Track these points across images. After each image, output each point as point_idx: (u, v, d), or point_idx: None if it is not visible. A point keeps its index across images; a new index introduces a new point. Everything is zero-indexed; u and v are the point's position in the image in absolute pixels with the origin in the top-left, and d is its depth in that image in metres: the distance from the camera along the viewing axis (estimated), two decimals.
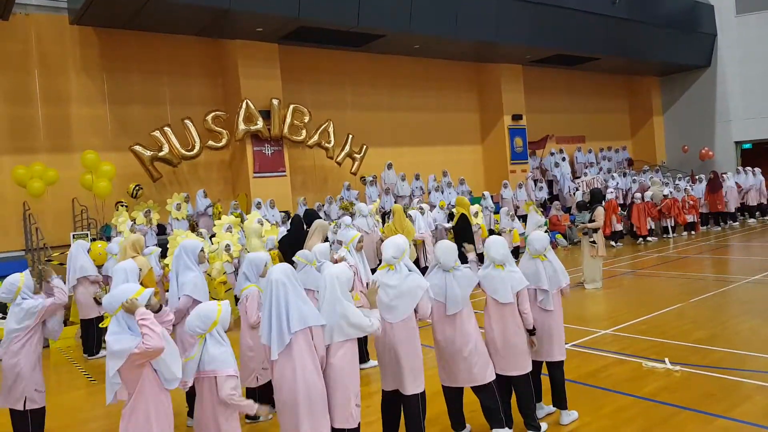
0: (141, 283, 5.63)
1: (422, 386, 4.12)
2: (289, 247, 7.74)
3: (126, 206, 11.87)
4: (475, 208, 13.28)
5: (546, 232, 16.40)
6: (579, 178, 19.92)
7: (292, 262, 5.27)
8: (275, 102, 13.88)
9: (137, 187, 12.35)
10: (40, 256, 10.68)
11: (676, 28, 20.91)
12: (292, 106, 14.23)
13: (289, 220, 9.92)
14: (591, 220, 9.56)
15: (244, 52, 13.87)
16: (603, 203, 9.98)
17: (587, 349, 6.60)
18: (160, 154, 12.62)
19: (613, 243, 15.22)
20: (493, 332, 4.47)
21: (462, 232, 11.35)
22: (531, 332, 4.50)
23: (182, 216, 12.05)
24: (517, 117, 19.38)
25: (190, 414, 5.33)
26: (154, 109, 13.52)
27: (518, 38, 16.88)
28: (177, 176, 13.87)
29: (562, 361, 4.72)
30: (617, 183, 18.64)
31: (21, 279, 4.69)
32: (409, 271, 4.21)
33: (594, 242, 9.55)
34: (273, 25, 13.03)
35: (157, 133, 12.62)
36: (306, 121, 14.39)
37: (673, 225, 16.91)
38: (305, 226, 7.99)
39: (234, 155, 14.53)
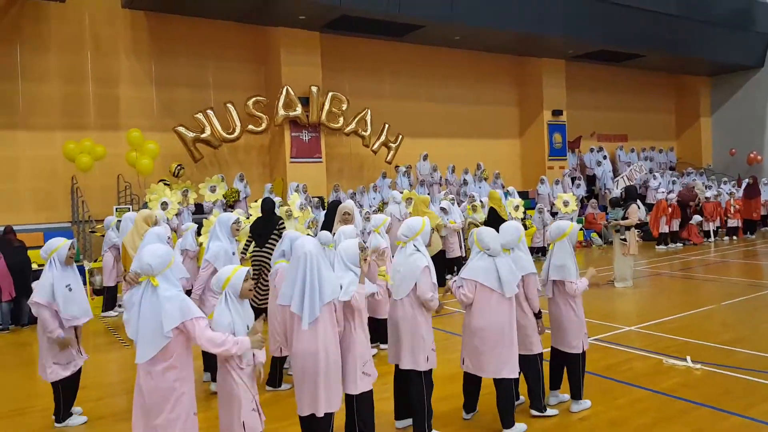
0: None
1: (423, 365, 4.19)
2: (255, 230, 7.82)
3: (168, 185, 12.29)
4: (517, 201, 13.30)
5: (581, 230, 16.41)
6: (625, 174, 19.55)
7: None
8: (314, 89, 14.11)
9: (179, 167, 12.79)
10: (84, 228, 11.21)
11: (728, 26, 20.21)
12: (330, 94, 14.44)
13: (324, 207, 10.10)
14: (624, 218, 9.45)
15: (286, 40, 14.14)
16: (637, 201, 9.83)
17: (610, 344, 6.60)
18: (202, 135, 13.02)
19: (660, 246, 14.88)
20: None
21: (491, 226, 11.34)
22: (537, 316, 4.60)
23: (218, 198, 12.40)
24: (557, 113, 19.13)
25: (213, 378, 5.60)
26: (198, 93, 13.94)
27: (561, 32, 16.63)
28: (218, 158, 14.28)
29: (577, 355, 4.73)
30: (659, 183, 18.22)
31: (58, 246, 4.80)
32: (417, 250, 4.31)
33: (625, 240, 9.45)
34: (315, 12, 13.24)
35: (200, 116, 13.02)
36: (344, 108, 14.59)
37: (715, 229, 16.51)
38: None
39: (273, 140, 14.85)
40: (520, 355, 4.52)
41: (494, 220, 11.00)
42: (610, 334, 7.02)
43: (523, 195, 18.04)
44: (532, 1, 15.59)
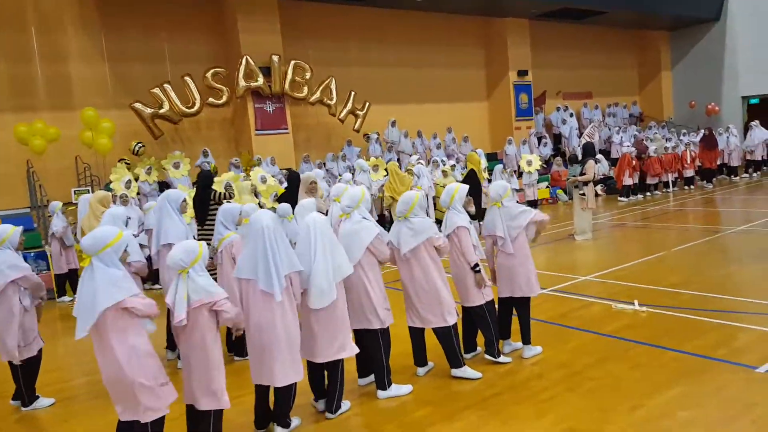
0: None
1: (375, 323, 4.37)
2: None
3: (128, 164, 12.15)
4: (530, 157, 13.62)
5: (548, 188, 16.75)
6: (584, 132, 19.89)
7: None
8: (275, 58, 13.94)
9: (139, 145, 12.60)
10: (43, 212, 11.06)
11: None
12: (293, 63, 14.28)
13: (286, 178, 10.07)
14: (582, 174, 9.70)
15: (242, 8, 13.84)
16: (595, 157, 10.07)
17: (563, 293, 6.88)
18: (161, 111, 12.80)
19: (622, 198, 15.32)
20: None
21: (470, 188, 11.52)
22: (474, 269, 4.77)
23: (182, 174, 12.31)
24: (522, 73, 19.23)
25: (171, 347, 5.73)
26: (154, 67, 13.63)
27: None
28: (179, 134, 14.10)
29: (528, 300, 4.99)
30: (621, 138, 18.56)
31: (10, 232, 4.79)
32: (364, 218, 4.47)
33: (584, 195, 9.72)
34: None
35: (157, 91, 12.77)
36: (307, 77, 14.45)
37: (674, 180, 16.97)
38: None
39: (236, 113, 14.70)
40: (467, 307, 4.76)
41: (472, 181, 11.17)
42: (567, 284, 7.31)
43: (491, 156, 18.29)
44: None
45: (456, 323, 4.60)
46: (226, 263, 5.26)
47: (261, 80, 13.76)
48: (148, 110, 12.72)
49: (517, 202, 13.59)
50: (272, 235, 3.80)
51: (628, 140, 18.02)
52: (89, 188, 11.25)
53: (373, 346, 4.43)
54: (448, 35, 18.36)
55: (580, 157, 10.04)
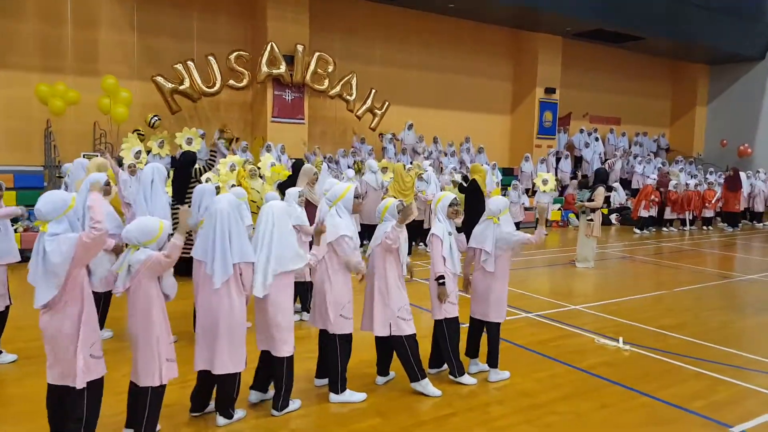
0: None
1: (330, 328, 4.25)
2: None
3: (142, 135, 12.19)
4: (546, 175, 13.66)
5: (560, 210, 16.42)
6: (608, 160, 19.54)
7: None
8: (300, 48, 13.88)
9: (155, 118, 12.65)
10: (55, 173, 11.15)
11: (733, 14, 19.84)
12: (317, 54, 14.21)
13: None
14: (590, 200, 9.42)
15: None
16: (607, 184, 9.78)
17: (549, 320, 6.66)
18: (181, 87, 12.83)
19: (636, 231, 14.98)
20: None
21: (472, 200, 11.30)
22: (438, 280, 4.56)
23: (194, 150, 12.28)
24: (550, 90, 18.91)
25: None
26: (181, 43, 13.69)
27: (560, 7, 16.31)
28: (198, 112, 14.13)
29: (499, 324, 4.81)
30: (644, 169, 18.16)
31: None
32: (338, 216, 4.33)
33: (591, 221, 9.45)
34: None
35: (179, 66, 12.81)
36: (330, 70, 14.37)
37: (692, 218, 16.53)
38: None
39: (255, 97, 14.68)
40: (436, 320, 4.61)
41: (474, 192, 10.96)
42: (555, 311, 7.08)
43: (508, 171, 18.08)
44: None
45: (411, 335, 4.42)
46: None
47: (283, 68, 13.71)
48: (169, 85, 12.76)
49: (517, 222, 13.58)
50: (226, 220, 3.71)
51: (652, 172, 17.62)
52: (98, 154, 11.28)
53: (328, 348, 4.31)
54: (476, 43, 18.14)
55: (591, 183, 9.74)
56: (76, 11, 12.64)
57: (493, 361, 4.80)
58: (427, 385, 4.46)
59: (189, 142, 12.27)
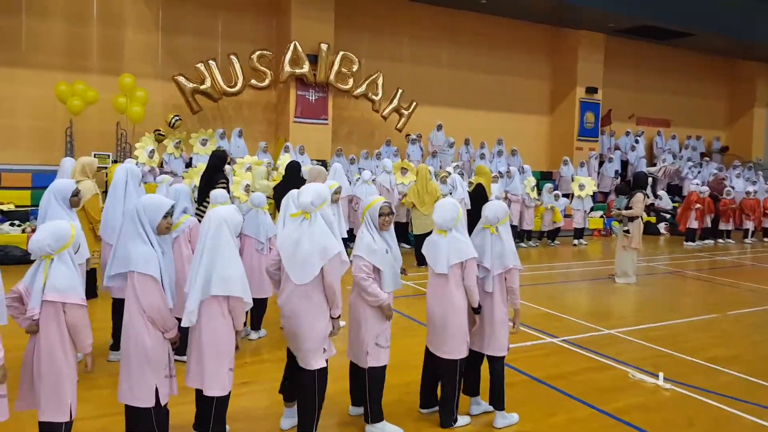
0: (83, 208, 5.41)
1: (372, 361, 3.70)
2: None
3: (162, 135, 11.87)
4: (584, 180, 12.62)
5: (602, 218, 15.33)
6: (655, 165, 18.30)
7: None
8: (324, 47, 13.34)
9: (176, 118, 12.32)
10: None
11: None
12: (341, 53, 13.64)
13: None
14: (628, 207, 8.46)
15: None
16: (650, 191, 8.81)
17: (576, 347, 5.80)
18: (202, 87, 12.48)
19: (688, 243, 13.80)
20: (431, 306, 3.94)
21: (474, 202, 10.51)
22: (475, 311, 3.90)
23: (207, 152, 11.88)
24: (591, 90, 17.79)
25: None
26: (206, 42, 13.38)
27: (602, 2, 15.26)
28: (221, 112, 13.77)
29: (503, 357, 4.04)
30: (696, 174, 16.85)
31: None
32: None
33: (628, 231, 8.48)
34: None
35: (201, 66, 12.47)
36: (354, 69, 13.78)
37: (753, 229, 15.16)
38: None
39: (279, 97, 14.22)
40: (439, 357, 3.89)
41: (479, 197, 10.18)
42: (584, 335, 6.21)
43: (546, 176, 17.11)
44: None
45: (377, 367, 3.72)
46: (183, 248, 4.59)
47: (306, 67, 13.21)
48: (190, 85, 12.43)
49: (556, 229, 12.66)
50: (209, 239, 3.19)
51: (703, 178, 16.33)
52: (108, 154, 11.07)
53: (307, 387, 3.57)
54: (511, 41, 17.23)
55: (629, 188, 8.80)
56: (102, 10, 12.54)
57: (498, 403, 4.02)
58: (384, 427, 3.75)
59: (204, 143, 11.88)
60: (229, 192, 6.20)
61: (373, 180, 10.31)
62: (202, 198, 6.18)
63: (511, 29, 17.08)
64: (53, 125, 12.00)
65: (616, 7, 15.56)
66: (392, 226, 3.88)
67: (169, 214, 3.13)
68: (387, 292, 3.72)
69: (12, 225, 9.19)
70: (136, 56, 12.84)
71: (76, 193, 4.51)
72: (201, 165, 10.37)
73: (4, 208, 9.46)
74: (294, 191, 4.98)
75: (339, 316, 3.62)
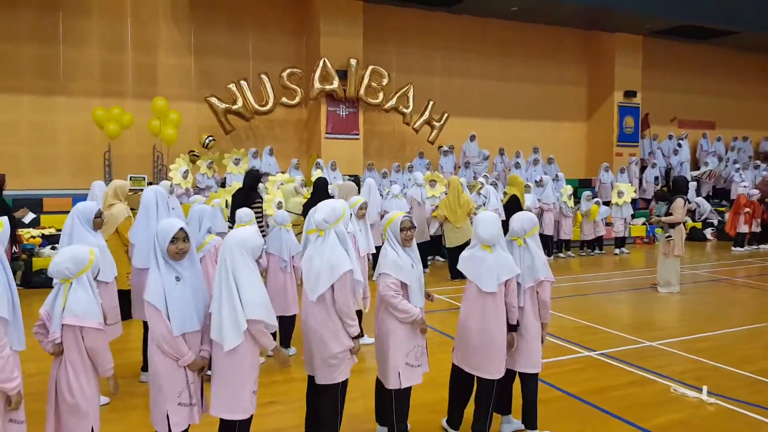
0: (117, 231, 5.49)
1: (405, 380, 3.59)
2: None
3: (197, 156, 12.13)
4: (623, 187, 12.36)
5: (644, 225, 14.81)
6: (699, 169, 17.66)
7: None
8: (353, 62, 13.43)
9: (209, 138, 12.59)
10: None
11: None
12: (370, 68, 13.70)
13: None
14: (668, 213, 8.13)
15: (326, 9, 13.51)
16: (687, 195, 8.42)
17: (615, 360, 5.55)
18: (234, 107, 12.72)
19: (736, 248, 13.25)
20: (470, 323, 3.77)
21: (509, 212, 10.31)
22: (512, 328, 3.76)
23: (241, 171, 12.07)
24: (630, 94, 17.32)
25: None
26: (237, 63, 13.64)
27: (637, 4, 14.89)
28: (254, 131, 14.00)
29: (536, 374, 3.87)
30: (742, 176, 16.13)
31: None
32: (341, 244, 3.55)
33: (670, 237, 8.14)
34: None
35: (232, 86, 12.71)
36: (384, 83, 13.80)
37: None
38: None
39: (310, 114, 14.37)
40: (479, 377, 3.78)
41: (513, 207, 10.00)
42: (624, 348, 5.94)
43: (585, 183, 16.72)
44: None
45: (400, 388, 3.60)
46: (209, 268, 4.55)
47: (336, 83, 13.31)
48: (222, 105, 12.68)
49: (598, 237, 12.26)
50: (228, 267, 3.05)
51: (751, 180, 15.63)
52: (144, 176, 11.34)
53: (327, 401, 3.52)
54: (544, 48, 16.96)
55: (669, 194, 8.45)
56: (136, 37, 12.92)
57: (530, 422, 3.86)
58: None
59: (236, 162, 12.08)
60: (262, 210, 6.24)
61: (404, 194, 10.23)
62: (232, 217, 6.25)
63: (544, 36, 16.84)
64: (92, 150, 12.39)
65: (652, 8, 15.16)
66: (414, 242, 3.78)
67: (177, 238, 3.01)
68: (418, 307, 3.62)
69: (53, 249, 9.49)
70: (170, 79, 13.20)
71: (99, 215, 4.56)
72: (236, 184, 10.58)
73: (46, 232, 9.77)
74: (313, 208, 4.95)
75: (360, 335, 3.55)
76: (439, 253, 11.33)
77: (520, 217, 3.90)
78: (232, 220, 6.36)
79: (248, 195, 6.57)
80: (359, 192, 7.82)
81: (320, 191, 6.96)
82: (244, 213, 5.31)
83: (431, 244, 10.49)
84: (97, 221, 4.58)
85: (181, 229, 3.04)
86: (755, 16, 16.32)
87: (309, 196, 10.11)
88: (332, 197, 6.22)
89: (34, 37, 12.05)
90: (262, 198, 6.64)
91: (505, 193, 10.68)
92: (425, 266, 9.99)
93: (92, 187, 6.59)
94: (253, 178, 6.69)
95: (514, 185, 10.05)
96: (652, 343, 6.14)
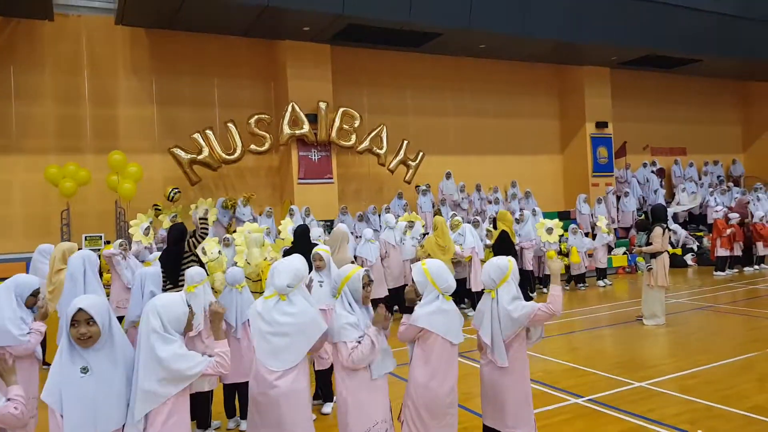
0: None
1: None
2: None
3: (159, 209, 11.74)
4: (550, 224, 11.88)
5: (625, 254, 14.64)
6: (674, 195, 17.70)
7: None
8: (322, 105, 13.30)
9: (175, 190, 12.20)
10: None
11: None
12: (341, 110, 13.58)
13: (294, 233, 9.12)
14: (648, 243, 7.92)
15: (293, 53, 13.44)
16: (666, 223, 8.23)
17: (605, 406, 5.19)
18: (199, 157, 12.38)
19: (718, 272, 13.09)
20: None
21: (501, 252, 10.03)
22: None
23: (210, 223, 11.68)
24: (601, 125, 17.44)
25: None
26: (203, 112, 13.38)
27: (601, 37, 15.08)
28: (223, 180, 13.67)
29: None
30: (715, 199, 16.17)
31: None
32: (310, 304, 3.30)
33: (650, 268, 7.90)
34: (319, 23, 12.46)
35: (197, 136, 12.42)
36: (356, 125, 13.67)
37: None
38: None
39: (282, 160, 14.13)
40: None
41: (504, 244, 9.76)
42: (612, 392, 5.58)
43: (565, 215, 16.57)
44: (562, 3, 14.16)
45: None
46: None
47: (306, 127, 13.13)
48: (187, 156, 12.35)
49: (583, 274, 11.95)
50: (143, 339, 2.67)
51: (723, 203, 15.64)
52: (101, 235, 10.88)
53: None
54: (514, 83, 17.09)
55: (648, 223, 8.27)
56: (94, 90, 12.51)
57: None
58: None
59: (205, 213, 11.67)
60: (204, 265, 5.78)
61: (376, 237, 9.93)
62: (172, 278, 5.64)
63: (514, 71, 16.97)
64: (48, 210, 11.82)
65: (616, 40, 15.36)
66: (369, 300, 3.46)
67: (77, 321, 2.50)
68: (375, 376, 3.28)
69: None
70: (132, 132, 12.78)
71: (35, 293, 3.90)
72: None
73: None
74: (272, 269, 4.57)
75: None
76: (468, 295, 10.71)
77: (490, 267, 3.60)
78: (169, 280, 5.72)
79: (172, 252, 5.87)
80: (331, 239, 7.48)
81: (302, 240, 6.60)
82: (195, 272, 4.88)
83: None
84: (30, 299, 3.89)
85: (80, 310, 2.49)
86: (716, 42, 16.65)
87: (279, 245, 9.78)
88: (315, 245, 5.89)
89: None
90: (193, 252, 6.07)
91: (489, 231, 10.43)
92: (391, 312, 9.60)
93: (36, 253, 6.12)
94: (179, 232, 6.16)
95: (503, 221, 9.82)
96: (641, 383, 5.79)
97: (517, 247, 10.80)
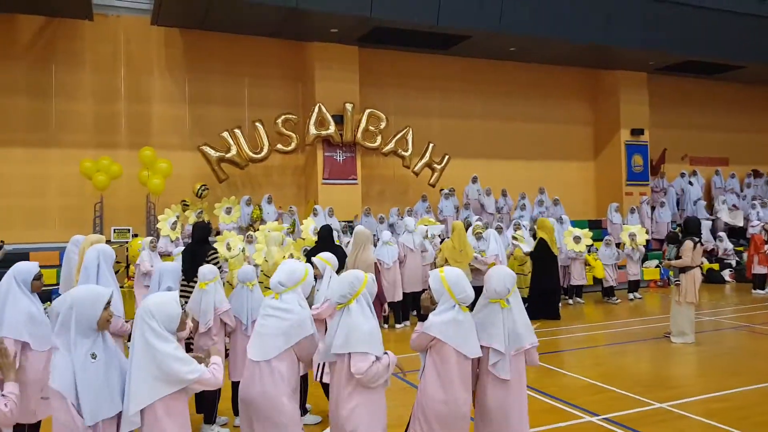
0: None
1: None
2: None
3: (187, 205, 11.86)
4: (578, 232, 11.55)
5: (658, 267, 14.11)
6: (713, 206, 17.02)
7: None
8: (349, 106, 13.24)
9: (203, 187, 12.34)
10: None
11: None
12: (367, 111, 13.51)
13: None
14: (678, 256, 7.55)
15: (321, 55, 13.45)
16: (699, 237, 7.84)
17: (619, 426, 4.92)
18: (227, 155, 12.51)
19: (757, 291, 12.51)
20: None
21: (539, 260, 9.80)
22: None
23: (231, 220, 11.76)
24: (637, 132, 16.90)
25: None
26: (233, 111, 13.53)
27: (638, 41, 14.60)
28: (250, 178, 13.75)
29: None
30: (758, 214, 15.46)
31: None
32: (301, 307, 3.29)
33: (678, 283, 7.54)
34: (346, 25, 12.41)
35: (226, 135, 12.55)
36: (382, 126, 13.57)
37: None
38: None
39: (308, 160, 14.13)
40: None
41: (543, 253, 9.50)
42: (631, 411, 5.30)
43: (595, 224, 16.10)
44: (596, 5, 13.74)
45: None
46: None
47: (332, 128, 13.10)
48: (215, 154, 12.48)
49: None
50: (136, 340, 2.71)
51: (764, 218, 14.98)
52: (129, 228, 11.02)
53: None
54: (545, 87, 16.70)
55: (680, 235, 7.90)
56: (130, 88, 12.88)
57: None
58: None
59: (228, 211, 11.79)
60: (218, 264, 5.76)
61: (397, 242, 9.77)
62: (190, 276, 5.64)
63: (544, 74, 16.60)
64: (83, 202, 12.14)
65: (653, 44, 14.85)
66: None
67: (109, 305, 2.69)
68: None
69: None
70: (164, 129, 13.06)
71: (38, 277, 4.14)
72: (226, 233, 10.24)
73: None
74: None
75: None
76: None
77: (497, 275, 3.40)
78: (188, 278, 5.74)
79: (196, 250, 5.95)
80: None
81: (326, 239, 6.53)
82: (208, 270, 4.89)
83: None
84: (36, 284, 4.12)
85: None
86: (759, 48, 15.95)
87: (299, 245, 9.74)
88: (339, 246, 5.84)
89: (27, 91, 12.04)
90: (215, 250, 6.11)
91: (515, 237, 10.17)
92: (407, 318, 9.43)
93: (70, 244, 6.18)
94: (202, 230, 6.18)
95: (543, 229, 9.57)
96: (663, 404, 5.49)
97: (476, 264, 10.05)
